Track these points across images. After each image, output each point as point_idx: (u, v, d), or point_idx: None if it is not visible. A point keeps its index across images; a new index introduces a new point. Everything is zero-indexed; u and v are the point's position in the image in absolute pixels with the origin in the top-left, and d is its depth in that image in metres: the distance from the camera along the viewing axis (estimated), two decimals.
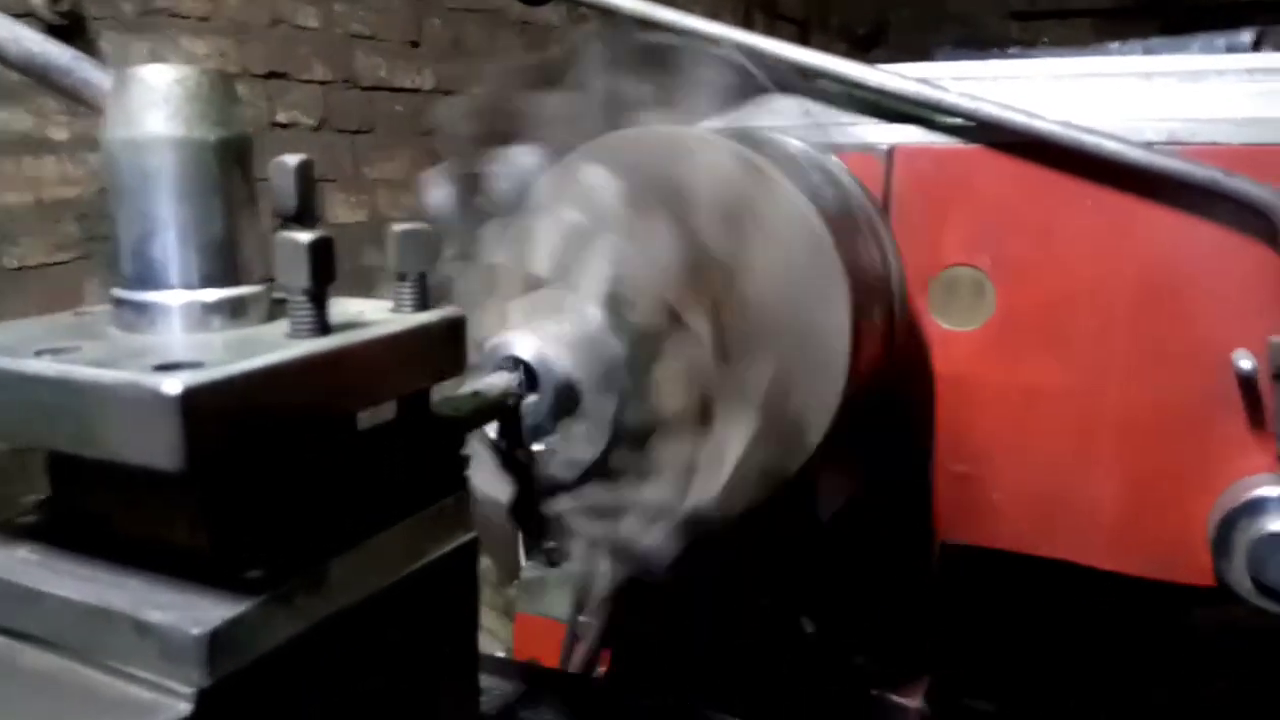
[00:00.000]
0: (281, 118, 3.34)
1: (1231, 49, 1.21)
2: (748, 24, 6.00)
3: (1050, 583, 1.33)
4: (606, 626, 1.54)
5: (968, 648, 1.52)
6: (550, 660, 1.77)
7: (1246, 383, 1.05)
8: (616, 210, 0.79)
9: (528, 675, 1.19)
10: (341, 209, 3.58)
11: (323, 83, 3.45)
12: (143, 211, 0.54)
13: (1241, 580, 1.05)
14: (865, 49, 7.11)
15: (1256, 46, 1.21)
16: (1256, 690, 1.75)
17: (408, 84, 3.79)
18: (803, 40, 6.53)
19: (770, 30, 6.16)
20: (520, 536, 0.92)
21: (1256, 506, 1.04)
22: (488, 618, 3.95)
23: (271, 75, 3.27)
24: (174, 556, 0.51)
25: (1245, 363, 1.03)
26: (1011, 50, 1.45)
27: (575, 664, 1.57)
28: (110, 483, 0.51)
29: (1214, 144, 1.03)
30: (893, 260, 1.12)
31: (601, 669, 1.58)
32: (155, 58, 2.86)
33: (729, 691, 1.19)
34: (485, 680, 1.14)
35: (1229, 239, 1.03)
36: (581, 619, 1.62)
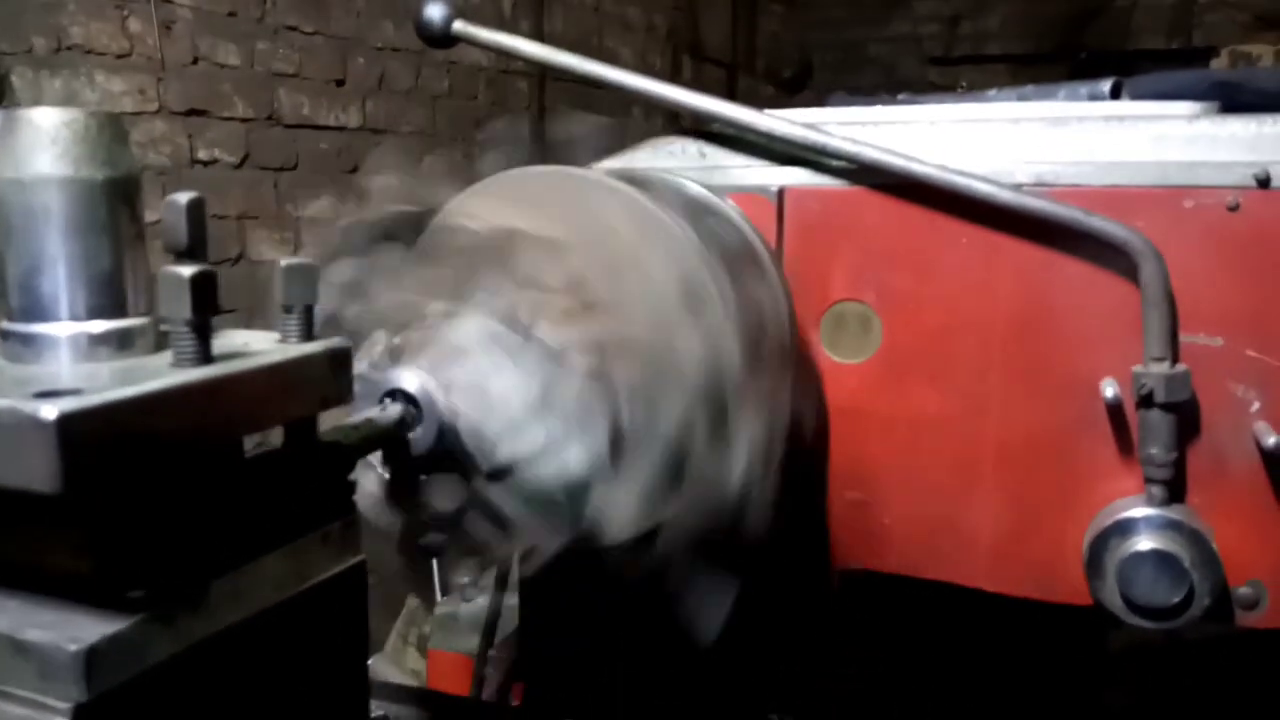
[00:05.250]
0: (202, 155, 3.32)
1: (1093, 97, 1.29)
2: (675, 67, 6.10)
3: (961, 606, 1.38)
4: (518, 659, 1.56)
5: (873, 673, 1.56)
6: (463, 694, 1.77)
7: (1114, 410, 1.11)
8: (506, 249, 0.83)
9: (437, 705, 1.20)
10: (265, 246, 3.57)
11: (245, 120, 3.45)
12: (29, 248, 0.57)
13: (1113, 599, 1.10)
14: (791, 91, 7.28)
15: (1115, 95, 1.29)
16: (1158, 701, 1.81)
17: (332, 121, 3.80)
18: (730, 82, 6.63)
19: (698, 73, 6.28)
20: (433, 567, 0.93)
21: (1125, 527, 1.10)
22: (411, 658, 3.90)
23: (192, 112, 3.26)
24: (55, 578, 0.53)
25: (1111, 390, 1.09)
26: (901, 96, 1.53)
27: (487, 696, 1.58)
28: None
29: (1077, 186, 1.10)
30: (784, 298, 1.17)
31: (515, 703, 1.60)
32: (69, 95, 2.83)
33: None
34: (394, 710, 1.15)
35: (1093, 275, 1.10)
36: (492, 653, 1.63)
